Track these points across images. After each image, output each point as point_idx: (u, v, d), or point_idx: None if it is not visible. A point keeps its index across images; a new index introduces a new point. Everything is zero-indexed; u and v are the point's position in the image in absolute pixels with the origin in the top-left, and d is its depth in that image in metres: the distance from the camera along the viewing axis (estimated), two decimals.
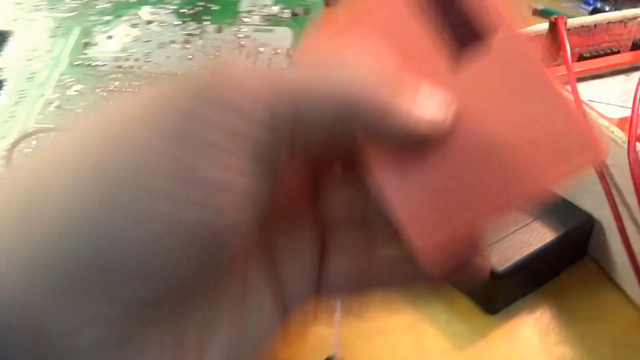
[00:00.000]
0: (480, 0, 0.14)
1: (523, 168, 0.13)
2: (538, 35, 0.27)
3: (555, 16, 0.25)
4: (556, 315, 0.21)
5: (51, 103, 0.26)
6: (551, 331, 0.21)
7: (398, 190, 0.13)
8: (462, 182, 0.13)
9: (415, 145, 0.12)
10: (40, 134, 0.25)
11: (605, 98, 0.25)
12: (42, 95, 0.27)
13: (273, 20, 0.27)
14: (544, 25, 0.26)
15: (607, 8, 0.37)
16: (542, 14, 0.37)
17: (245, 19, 0.27)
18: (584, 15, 0.37)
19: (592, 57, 0.27)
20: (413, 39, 0.14)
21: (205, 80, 0.11)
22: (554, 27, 0.25)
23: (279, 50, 0.26)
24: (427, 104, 0.12)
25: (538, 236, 0.21)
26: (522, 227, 0.22)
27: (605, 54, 0.27)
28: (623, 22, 0.28)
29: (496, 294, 0.21)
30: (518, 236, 0.21)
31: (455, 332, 0.21)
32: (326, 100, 0.11)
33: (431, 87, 0.12)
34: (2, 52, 0.29)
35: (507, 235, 0.21)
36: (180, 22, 0.28)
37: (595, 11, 0.37)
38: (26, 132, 0.25)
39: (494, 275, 0.20)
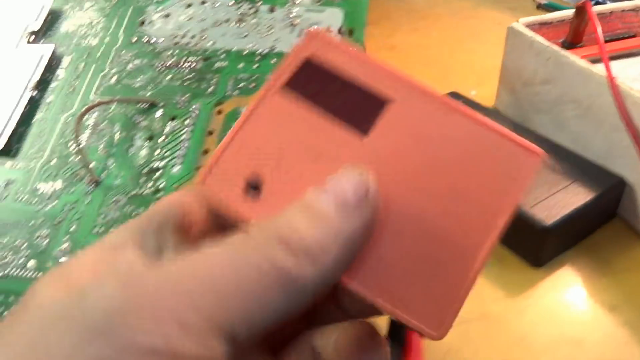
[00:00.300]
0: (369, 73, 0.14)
1: (481, 207, 0.13)
2: (562, 22, 0.29)
3: (582, 1, 0.28)
4: (594, 267, 0.24)
5: (110, 77, 0.28)
6: (591, 281, 0.23)
7: (384, 290, 0.13)
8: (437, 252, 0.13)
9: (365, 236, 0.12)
10: (102, 106, 0.27)
11: (628, 76, 0.28)
12: (102, 70, 0.28)
13: (324, 1, 0.29)
14: (568, 12, 0.28)
15: (608, 2, 0.40)
16: (546, 7, 0.40)
17: (296, 1, 0.29)
18: None
19: (610, 40, 0.29)
20: (310, 128, 0.14)
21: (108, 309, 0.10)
22: (581, 12, 0.28)
23: (330, 29, 0.27)
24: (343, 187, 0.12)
25: (577, 196, 0.24)
26: (562, 189, 0.24)
27: (620, 39, 0.30)
28: (635, 10, 0.31)
29: (542, 248, 0.23)
30: (560, 196, 0.24)
31: (506, 282, 0.23)
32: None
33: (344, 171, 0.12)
34: (58, 29, 0.30)
35: (551, 195, 0.24)
36: (233, 2, 0.29)
37: (597, 4, 0.40)
38: (90, 104, 0.27)
39: (543, 230, 0.22)
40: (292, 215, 0.11)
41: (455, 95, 0.34)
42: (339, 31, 0.27)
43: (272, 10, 0.28)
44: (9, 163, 0.26)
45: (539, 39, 0.27)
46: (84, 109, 0.26)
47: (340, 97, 0.14)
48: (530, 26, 0.29)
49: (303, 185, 0.13)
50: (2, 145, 0.26)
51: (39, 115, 0.27)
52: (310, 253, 0.11)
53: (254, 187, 0.13)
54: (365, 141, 0.13)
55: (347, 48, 0.14)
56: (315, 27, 0.27)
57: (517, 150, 0.13)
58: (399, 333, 0.21)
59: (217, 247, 0.11)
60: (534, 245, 0.23)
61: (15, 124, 0.26)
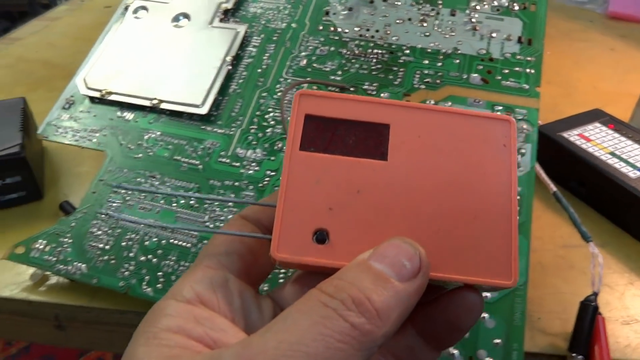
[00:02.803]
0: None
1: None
2: None
3: None
4: None
5: (300, 60, 0.30)
6: None
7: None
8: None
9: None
10: (303, 85, 0.29)
11: None
12: (291, 53, 0.30)
13: (502, 11, 0.30)
14: None
15: None
16: None
17: (476, 7, 0.31)
18: None
19: None
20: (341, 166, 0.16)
21: None
22: None
23: (510, 37, 0.29)
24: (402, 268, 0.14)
25: None
26: None
27: None
28: None
29: None
30: None
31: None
32: None
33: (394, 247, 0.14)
34: (247, 11, 0.33)
35: None
36: (414, 3, 0.31)
37: None
38: (294, 82, 0.29)
39: None
40: (358, 278, 0.14)
41: (598, 112, 0.35)
42: (519, 40, 0.29)
43: (453, 14, 0.30)
44: (209, 128, 0.28)
45: None
46: (289, 85, 0.28)
47: (351, 136, 0.16)
48: None
49: (360, 222, 0.15)
50: (206, 112, 0.28)
51: (233, 87, 0.30)
52: (381, 314, 0.13)
53: (320, 240, 0.15)
54: (388, 163, 0.16)
55: (332, 95, 0.17)
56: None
57: (494, 122, 0.17)
58: (581, 345, 0.22)
59: (302, 316, 0.13)
60: None
61: (215, 93, 0.29)
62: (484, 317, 0.21)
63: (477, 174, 0.16)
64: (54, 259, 0.25)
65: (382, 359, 0.17)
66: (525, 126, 0.26)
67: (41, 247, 0.25)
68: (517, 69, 0.28)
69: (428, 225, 0.15)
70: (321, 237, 0.15)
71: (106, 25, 0.59)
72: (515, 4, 0.30)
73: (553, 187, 0.26)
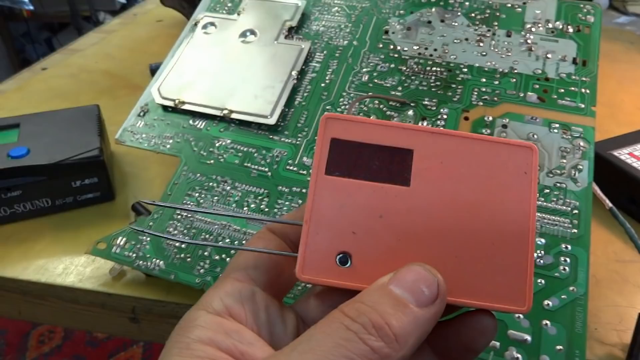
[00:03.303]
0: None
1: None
2: None
3: None
4: None
5: (362, 76, 0.32)
6: None
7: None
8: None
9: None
10: (366, 99, 0.30)
11: None
12: (353, 68, 0.32)
13: (557, 33, 0.32)
14: None
15: None
16: None
17: (531, 29, 0.32)
18: None
19: None
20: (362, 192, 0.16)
21: None
22: None
23: (565, 58, 0.30)
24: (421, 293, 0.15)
25: None
26: None
27: None
28: None
29: None
30: None
31: None
32: None
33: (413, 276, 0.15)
34: (309, 28, 0.35)
35: None
36: (470, 24, 0.33)
37: None
38: (359, 96, 0.31)
39: None
40: (378, 302, 0.14)
41: None
42: (574, 61, 0.30)
43: (508, 35, 0.32)
44: (277, 137, 0.30)
45: None
46: (355, 99, 0.30)
47: (375, 160, 0.17)
48: None
49: (381, 246, 0.16)
50: (274, 122, 0.30)
51: (298, 100, 0.31)
52: (399, 339, 0.14)
53: (343, 263, 0.16)
54: (410, 189, 0.16)
55: (358, 119, 0.17)
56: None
57: (517, 150, 0.17)
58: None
59: (325, 338, 0.14)
60: None
61: (283, 105, 0.31)
62: (546, 324, 0.22)
63: (496, 200, 0.16)
64: (134, 255, 0.27)
65: None
66: (582, 144, 0.27)
67: (121, 243, 0.27)
68: (572, 88, 0.29)
69: (446, 251, 0.16)
70: (344, 259, 0.16)
71: (160, 38, 0.62)
72: (569, 27, 0.31)
73: (609, 203, 0.27)
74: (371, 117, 0.30)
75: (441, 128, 0.17)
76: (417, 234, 0.16)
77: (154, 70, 0.50)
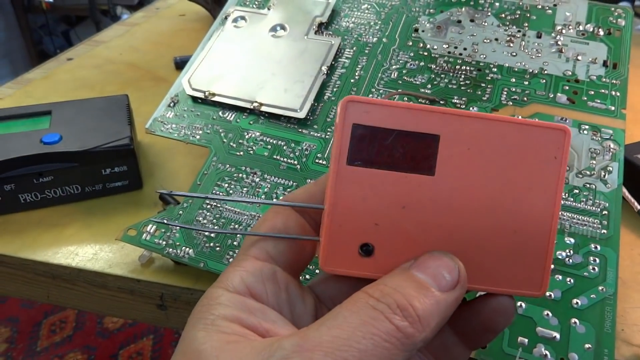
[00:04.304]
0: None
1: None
2: None
3: None
4: None
5: (391, 73, 0.32)
6: None
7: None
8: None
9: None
10: (395, 96, 0.31)
11: None
12: (382, 65, 0.32)
13: (587, 35, 0.32)
14: None
15: None
16: None
17: (561, 30, 0.32)
18: None
19: None
20: (387, 181, 0.16)
21: None
22: None
23: (596, 60, 0.30)
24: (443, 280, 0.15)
25: None
26: None
27: None
28: None
29: None
30: None
31: None
32: None
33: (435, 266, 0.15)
34: (339, 24, 0.35)
35: None
36: (500, 24, 0.33)
37: None
38: (389, 93, 0.31)
39: None
40: (402, 285, 0.15)
41: None
42: (604, 64, 0.30)
43: (538, 36, 0.32)
44: (306, 131, 0.30)
45: None
46: (384, 95, 0.30)
47: (399, 148, 0.16)
48: None
49: (403, 237, 0.16)
50: (304, 116, 0.30)
51: (327, 95, 0.32)
52: (422, 320, 0.14)
53: (366, 253, 0.16)
54: (435, 178, 0.16)
55: (381, 102, 0.16)
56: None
57: (548, 132, 0.16)
58: None
59: (352, 315, 0.14)
60: None
61: (312, 99, 0.31)
62: (575, 323, 0.23)
63: (522, 187, 0.16)
64: (164, 242, 0.27)
65: (419, 354, 0.18)
66: (612, 145, 0.27)
67: (152, 231, 0.28)
68: (602, 91, 0.29)
69: (468, 239, 0.16)
70: (367, 250, 0.16)
71: (183, 32, 0.62)
72: (600, 30, 0.31)
73: (638, 206, 0.27)
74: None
75: (469, 110, 0.16)
76: (439, 224, 0.16)
77: (178, 64, 0.50)
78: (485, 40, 0.32)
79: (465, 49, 0.32)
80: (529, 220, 0.16)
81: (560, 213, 0.26)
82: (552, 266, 0.24)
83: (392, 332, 0.14)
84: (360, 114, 0.16)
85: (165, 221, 0.20)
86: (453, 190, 0.16)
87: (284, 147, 0.30)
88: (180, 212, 0.28)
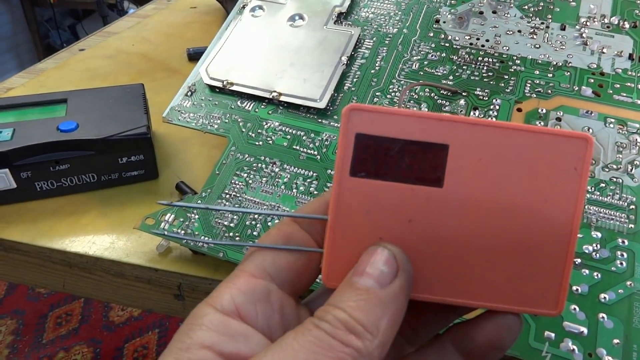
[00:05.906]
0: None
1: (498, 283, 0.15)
2: None
3: None
4: None
5: (412, 64, 0.31)
6: None
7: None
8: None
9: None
10: (416, 87, 0.30)
11: None
12: (403, 56, 0.32)
13: (613, 28, 0.31)
14: None
15: None
16: None
17: (586, 23, 0.32)
18: None
19: None
20: (393, 194, 0.15)
21: None
22: None
23: (621, 53, 0.30)
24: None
25: None
26: None
27: None
28: None
29: None
30: None
31: None
32: None
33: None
34: (359, 15, 0.34)
35: None
36: (523, 16, 0.32)
37: None
38: (410, 83, 0.30)
39: None
40: (341, 299, 0.14)
41: None
42: (630, 57, 0.30)
43: (562, 28, 0.31)
44: (325, 121, 0.30)
45: None
46: (406, 86, 0.30)
47: (405, 158, 0.15)
48: None
49: (409, 251, 0.15)
50: (324, 106, 0.30)
51: (347, 85, 0.31)
52: (369, 327, 0.13)
53: None
54: (443, 190, 0.15)
55: (386, 110, 0.15)
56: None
57: (567, 141, 0.14)
58: None
59: (296, 337, 0.13)
60: None
61: (332, 89, 0.31)
62: (602, 317, 0.22)
63: (538, 201, 0.15)
64: (182, 231, 0.27)
65: None
66: (639, 139, 0.27)
67: (170, 220, 0.27)
68: (628, 84, 0.29)
69: (479, 255, 0.15)
70: None
71: (195, 24, 0.62)
72: (625, 22, 0.31)
73: None
74: (422, 105, 0.29)
75: (480, 118, 0.15)
76: (448, 239, 0.15)
77: (192, 55, 0.50)
78: (508, 32, 0.32)
79: (487, 40, 0.32)
80: (545, 235, 0.15)
81: (586, 207, 0.25)
82: (579, 260, 0.23)
83: (340, 348, 0.13)
84: (364, 123, 0.15)
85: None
86: (463, 203, 0.15)
87: (304, 137, 0.29)
88: (199, 201, 0.28)
